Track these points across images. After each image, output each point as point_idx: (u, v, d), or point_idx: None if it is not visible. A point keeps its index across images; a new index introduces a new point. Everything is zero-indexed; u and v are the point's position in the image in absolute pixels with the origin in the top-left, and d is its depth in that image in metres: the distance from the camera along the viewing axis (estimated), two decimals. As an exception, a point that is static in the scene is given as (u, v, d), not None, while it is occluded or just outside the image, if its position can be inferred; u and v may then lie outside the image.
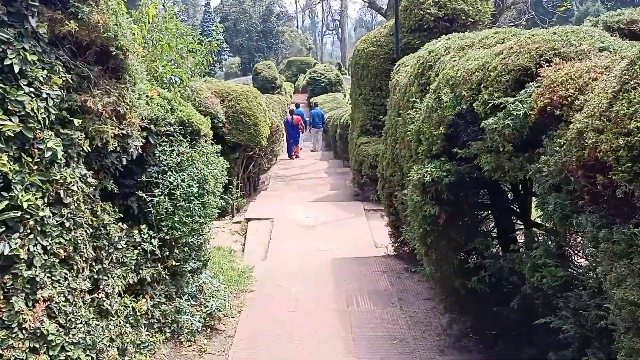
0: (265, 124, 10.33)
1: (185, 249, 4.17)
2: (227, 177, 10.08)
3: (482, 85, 3.31)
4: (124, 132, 3.22)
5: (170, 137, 4.23)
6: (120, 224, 3.53)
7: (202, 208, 4.24)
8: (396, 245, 6.15)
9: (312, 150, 20.33)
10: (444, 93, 3.75)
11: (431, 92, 4.06)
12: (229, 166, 9.68)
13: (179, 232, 4.05)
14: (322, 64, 40.64)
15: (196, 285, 4.43)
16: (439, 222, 3.66)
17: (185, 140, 4.34)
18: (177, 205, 4.05)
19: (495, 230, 4.29)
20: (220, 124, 9.36)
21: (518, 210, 4.28)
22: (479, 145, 3.33)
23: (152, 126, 3.98)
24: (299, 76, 42.32)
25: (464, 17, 8.03)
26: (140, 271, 3.86)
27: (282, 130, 15.73)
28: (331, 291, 5.16)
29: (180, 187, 4.10)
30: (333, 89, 33.02)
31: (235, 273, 5.54)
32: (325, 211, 8.83)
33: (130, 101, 3.18)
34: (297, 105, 21.25)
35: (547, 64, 3.04)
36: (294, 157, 18.00)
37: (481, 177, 3.53)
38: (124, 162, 3.52)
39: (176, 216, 4.04)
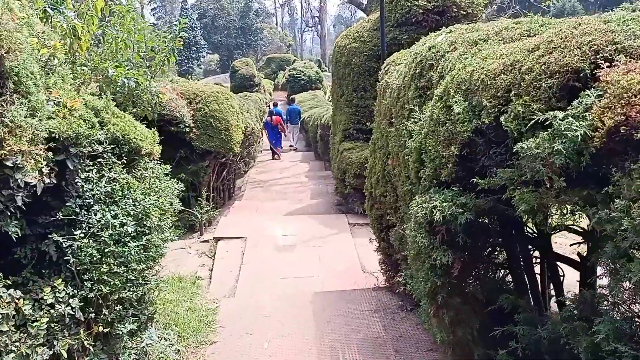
0: (238, 128, 9.35)
1: (119, 307, 3.19)
2: (196, 188, 9.06)
3: (513, 92, 2.42)
4: (7, 163, 2.24)
5: (98, 160, 3.25)
6: (12, 291, 2.55)
7: (141, 251, 3.27)
8: (388, 274, 5.26)
9: (291, 147, 19.50)
10: (455, 101, 2.85)
11: (435, 100, 3.15)
12: (195, 178, 8.68)
13: (109, 287, 3.07)
14: (301, 61, 39.64)
15: (136, 351, 3.46)
16: (452, 272, 2.76)
17: (119, 163, 3.36)
18: (106, 250, 3.07)
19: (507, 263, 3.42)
20: (187, 129, 8.37)
21: (535, 236, 3.43)
22: (508, 174, 2.43)
23: (70, 147, 2.99)
24: (279, 73, 41.28)
25: (455, 9, 7.17)
26: (55, 342, 2.88)
27: (259, 133, 14.79)
28: (312, 341, 4.23)
29: (110, 225, 3.12)
30: (313, 87, 32.10)
31: (194, 317, 4.57)
32: (305, 227, 7.88)
33: (13, 120, 2.19)
34: (275, 104, 20.53)
35: (608, 64, 2.16)
36: (276, 157, 17.18)
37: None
38: (19, 202, 2.53)
39: (104, 265, 3.06)
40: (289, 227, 7.86)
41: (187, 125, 8.35)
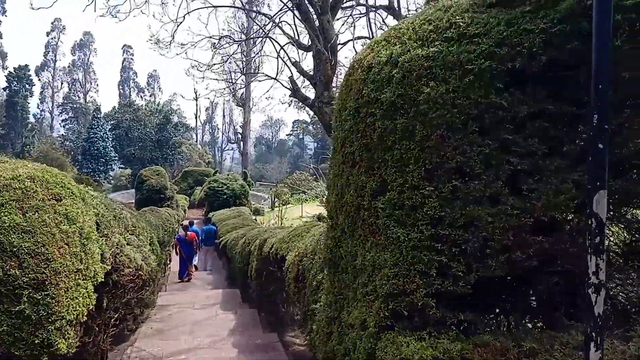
0: (83, 275, 3.67)
1: None
2: None
3: None
4: None
5: None
6: None
7: None
8: None
9: (204, 270, 17.20)
10: None
11: None
12: None
13: None
14: (224, 174, 34.87)
15: None
16: None
17: None
18: None
19: None
20: None
21: None
22: None
23: None
24: (196, 189, 35.91)
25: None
26: None
27: (149, 275, 8.95)
28: None
29: None
30: (237, 202, 26.97)
31: None
32: None
33: None
34: (191, 223, 16.94)
35: None
36: (185, 279, 14.81)
37: None
38: None
39: None
40: None
41: None
